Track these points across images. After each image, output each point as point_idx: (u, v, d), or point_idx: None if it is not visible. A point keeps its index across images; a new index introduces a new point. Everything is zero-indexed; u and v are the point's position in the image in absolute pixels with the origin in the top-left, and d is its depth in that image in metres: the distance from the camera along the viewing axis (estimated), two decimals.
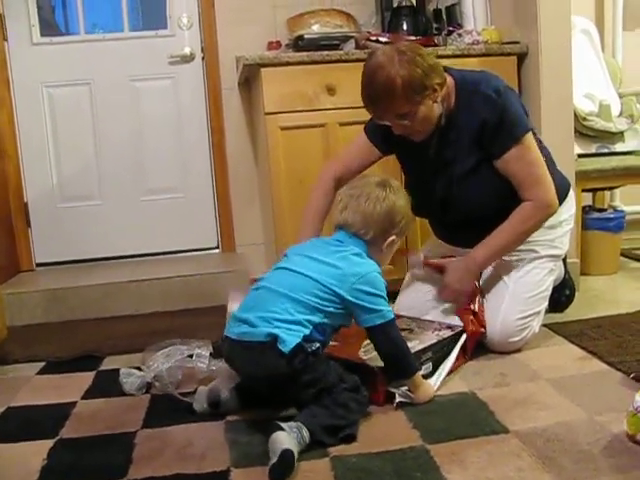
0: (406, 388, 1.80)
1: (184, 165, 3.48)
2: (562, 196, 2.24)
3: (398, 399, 1.79)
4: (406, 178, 2.36)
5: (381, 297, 1.73)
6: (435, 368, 1.95)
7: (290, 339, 1.62)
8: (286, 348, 1.60)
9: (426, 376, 1.88)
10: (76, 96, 3.38)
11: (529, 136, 2.08)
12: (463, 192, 2.14)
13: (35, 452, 1.67)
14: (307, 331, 1.65)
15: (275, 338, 1.62)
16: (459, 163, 2.13)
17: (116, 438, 1.74)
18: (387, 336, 1.74)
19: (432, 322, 2.18)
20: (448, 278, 2.15)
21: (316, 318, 1.68)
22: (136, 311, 2.99)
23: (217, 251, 3.55)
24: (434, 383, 1.88)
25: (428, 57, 2.01)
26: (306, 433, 1.55)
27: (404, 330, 2.12)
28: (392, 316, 1.73)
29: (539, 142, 2.18)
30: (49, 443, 1.72)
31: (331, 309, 1.70)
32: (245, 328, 1.69)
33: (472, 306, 2.15)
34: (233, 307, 1.88)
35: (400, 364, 1.77)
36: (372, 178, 1.90)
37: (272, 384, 1.70)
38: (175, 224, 3.50)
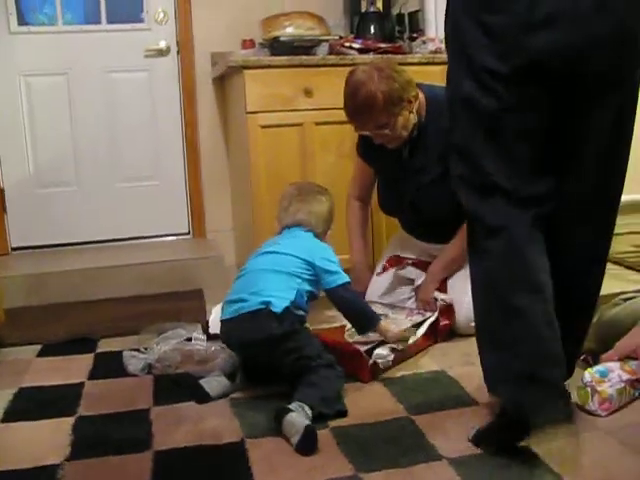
0: (384, 358, 2.08)
1: (158, 154, 3.63)
2: None
3: (382, 366, 2.08)
4: (379, 183, 2.65)
5: (333, 262, 2.10)
6: None
7: (280, 302, 1.94)
8: (277, 309, 1.93)
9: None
10: (53, 85, 3.47)
11: None
12: (429, 198, 2.41)
13: (59, 428, 1.85)
14: (292, 296, 1.97)
15: (267, 303, 1.93)
16: (427, 171, 2.40)
17: (132, 415, 1.92)
18: (346, 294, 2.09)
19: (405, 308, 2.44)
20: (420, 298, 2.47)
21: (295, 284, 2.01)
22: (115, 295, 3.14)
23: (188, 237, 3.72)
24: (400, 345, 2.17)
25: (403, 73, 2.29)
26: (308, 409, 1.78)
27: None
28: (348, 279, 2.09)
29: None
30: (70, 420, 1.90)
31: (306, 275, 2.04)
32: (238, 305, 1.99)
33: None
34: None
35: (363, 317, 2.12)
36: (312, 186, 2.31)
37: (264, 351, 1.96)
38: (148, 210, 3.66)
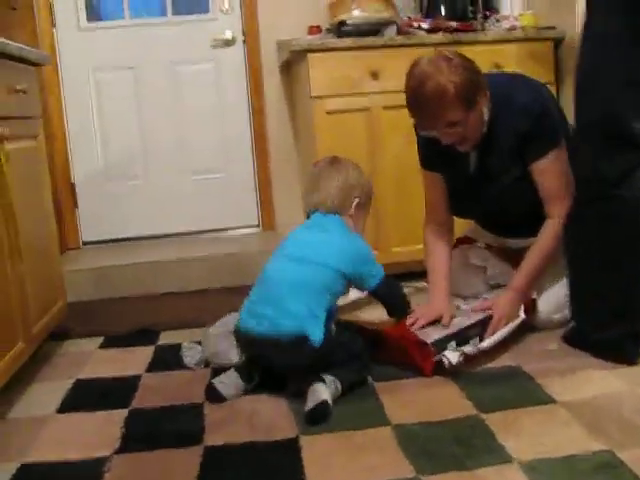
0: (451, 351, 1.92)
1: (226, 146, 3.57)
2: None
3: (446, 362, 1.90)
4: (448, 189, 2.32)
5: (371, 262, 2.00)
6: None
7: (317, 333, 1.80)
8: (317, 343, 1.79)
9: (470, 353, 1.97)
10: (121, 80, 3.47)
11: (561, 146, 2.09)
12: (512, 199, 2.16)
13: (112, 421, 1.80)
14: (324, 317, 1.83)
15: (304, 334, 1.78)
16: (506, 172, 2.14)
17: (186, 408, 1.86)
18: (386, 289, 2.02)
19: (477, 299, 2.28)
20: (498, 314, 2.09)
21: (325, 300, 1.86)
22: (182, 289, 3.10)
23: (257, 229, 3.65)
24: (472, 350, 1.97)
25: (473, 62, 2.01)
26: (339, 386, 1.80)
27: None
28: (384, 273, 2.01)
29: (565, 121, 2.21)
30: (123, 412, 1.85)
31: (338, 287, 1.92)
32: (268, 326, 1.83)
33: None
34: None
35: (402, 309, 2.10)
36: (322, 161, 2.12)
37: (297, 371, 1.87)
38: (217, 203, 3.60)
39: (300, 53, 2.81)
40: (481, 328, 2.06)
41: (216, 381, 1.90)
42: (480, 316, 2.10)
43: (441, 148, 2.10)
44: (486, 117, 2.06)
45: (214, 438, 1.67)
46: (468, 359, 1.93)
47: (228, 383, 1.90)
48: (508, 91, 2.09)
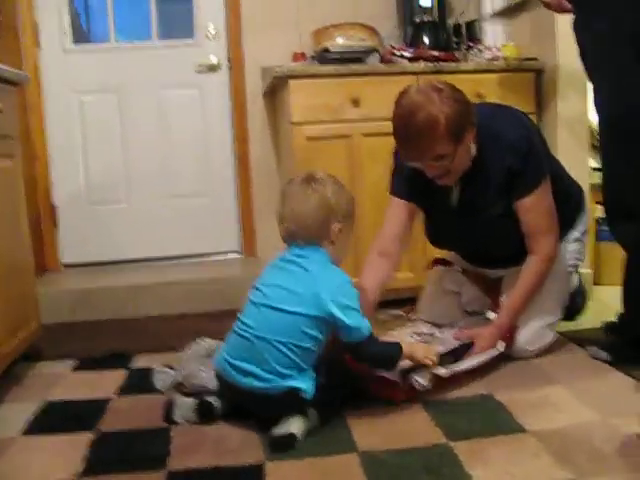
0: (420, 378, 1.87)
1: (209, 171, 3.58)
2: (577, 207, 2.33)
3: (417, 385, 1.87)
4: (427, 219, 2.31)
5: (355, 310, 1.75)
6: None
7: (309, 386, 1.73)
8: (310, 395, 1.73)
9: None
10: (105, 103, 3.48)
11: (546, 182, 2.08)
12: (496, 233, 2.14)
13: (77, 444, 1.76)
14: (312, 367, 1.76)
15: (297, 390, 1.72)
16: (488, 208, 2.11)
17: (153, 432, 1.82)
18: (367, 351, 1.80)
19: (452, 327, 2.27)
20: (479, 345, 2.09)
21: (311, 350, 1.75)
22: (161, 313, 3.07)
23: (239, 255, 3.64)
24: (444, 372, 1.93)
25: (463, 94, 1.96)
26: (318, 421, 1.75)
27: (424, 334, 2.22)
28: (369, 333, 1.77)
29: (547, 151, 2.23)
30: (89, 435, 1.81)
31: (322, 335, 1.76)
32: (254, 381, 1.74)
33: None
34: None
35: (386, 363, 1.86)
36: (296, 179, 1.86)
37: None
38: (199, 228, 3.60)
39: (282, 79, 2.82)
40: (455, 357, 2.04)
41: (175, 403, 1.89)
42: (454, 344, 2.08)
43: (423, 179, 2.06)
44: (473, 152, 2.02)
45: (178, 463, 1.63)
46: (439, 383, 1.91)
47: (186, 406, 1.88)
48: (494, 125, 2.06)
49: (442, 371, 1.92)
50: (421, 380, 1.87)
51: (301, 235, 1.80)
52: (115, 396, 2.12)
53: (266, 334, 1.74)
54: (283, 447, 1.66)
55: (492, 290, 2.35)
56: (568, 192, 2.27)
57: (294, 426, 1.70)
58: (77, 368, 2.42)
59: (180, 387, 2.08)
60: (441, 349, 2.03)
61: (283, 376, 1.72)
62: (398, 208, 2.20)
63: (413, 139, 1.90)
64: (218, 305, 3.08)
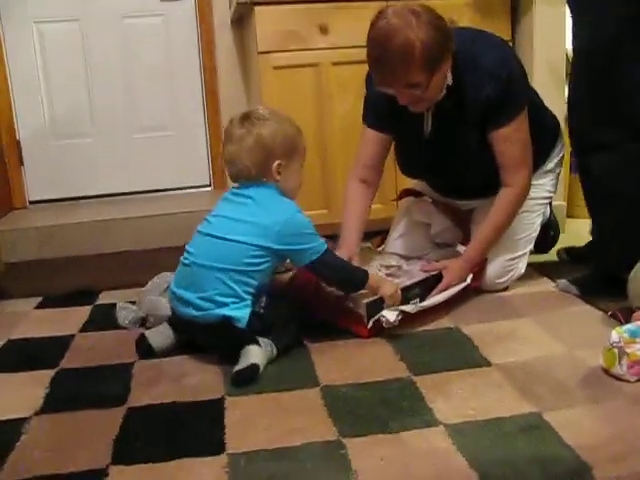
0: (387, 314, 1.85)
1: (176, 102, 3.47)
2: (553, 138, 2.28)
3: (384, 321, 1.85)
4: (399, 148, 2.25)
5: (309, 234, 1.79)
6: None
7: (242, 314, 1.74)
8: (242, 324, 1.73)
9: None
10: (66, 32, 3.34)
11: (524, 112, 2.02)
12: (466, 166, 2.10)
13: (37, 381, 1.74)
14: (251, 297, 1.76)
15: (229, 318, 1.72)
16: (462, 138, 2.05)
17: (114, 368, 1.80)
18: (327, 265, 1.82)
19: (420, 260, 2.24)
20: (448, 279, 2.05)
21: (253, 280, 1.76)
22: (129, 248, 3.03)
23: (209, 189, 3.57)
24: (412, 308, 1.91)
25: (443, 19, 1.85)
26: (274, 349, 1.76)
27: (392, 267, 2.19)
28: (325, 246, 1.80)
29: (525, 78, 2.14)
30: (50, 373, 1.79)
31: (265, 265, 1.77)
32: (192, 311, 1.77)
33: None
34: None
35: (350, 281, 1.87)
36: (234, 119, 1.83)
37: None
38: (167, 162, 3.51)
39: (247, 6, 2.70)
40: (422, 289, 2.01)
41: (148, 332, 1.88)
42: (421, 276, 2.05)
43: (396, 106, 1.99)
44: (449, 81, 1.95)
45: (139, 399, 1.61)
46: (407, 318, 1.89)
47: (161, 332, 1.87)
48: (473, 50, 1.96)
49: (409, 307, 1.89)
50: (388, 316, 1.84)
51: (243, 175, 1.80)
52: (79, 333, 2.08)
53: (205, 261, 1.76)
54: (247, 378, 1.66)
55: (463, 222, 2.32)
56: (543, 122, 2.21)
57: (253, 357, 1.70)
58: (41, 306, 2.38)
59: (144, 322, 2.07)
60: (407, 282, 2.01)
61: (218, 304, 1.73)
62: (372, 138, 2.18)
63: (387, 63, 1.82)
64: (188, 238, 3.03)
